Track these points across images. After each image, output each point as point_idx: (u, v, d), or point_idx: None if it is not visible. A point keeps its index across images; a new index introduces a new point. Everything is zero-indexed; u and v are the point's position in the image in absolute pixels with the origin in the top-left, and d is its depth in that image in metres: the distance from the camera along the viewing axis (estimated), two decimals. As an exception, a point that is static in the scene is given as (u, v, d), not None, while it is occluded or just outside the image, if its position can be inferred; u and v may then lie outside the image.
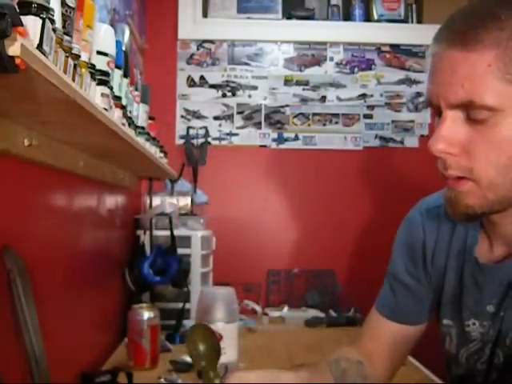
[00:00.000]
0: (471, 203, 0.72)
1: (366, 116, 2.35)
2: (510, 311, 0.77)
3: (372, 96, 2.36)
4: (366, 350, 0.94)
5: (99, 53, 0.92)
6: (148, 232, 1.86)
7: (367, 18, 2.39)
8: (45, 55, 0.59)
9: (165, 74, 2.29)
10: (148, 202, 2.05)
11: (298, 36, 2.35)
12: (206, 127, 2.30)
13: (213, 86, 2.32)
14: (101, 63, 0.91)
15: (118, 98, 1.04)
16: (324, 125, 2.34)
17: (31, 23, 0.58)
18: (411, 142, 2.35)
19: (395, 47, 2.38)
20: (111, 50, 0.96)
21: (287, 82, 2.35)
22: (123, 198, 1.82)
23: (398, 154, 2.34)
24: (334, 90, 2.35)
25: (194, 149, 2.26)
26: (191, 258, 1.86)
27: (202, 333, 0.79)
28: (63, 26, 0.71)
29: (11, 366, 0.86)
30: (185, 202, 2.08)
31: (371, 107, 2.35)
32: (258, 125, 2.32)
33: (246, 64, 2.34)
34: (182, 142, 2.28)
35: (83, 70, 0.81)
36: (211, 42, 2.33)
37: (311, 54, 2.36)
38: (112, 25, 1.26)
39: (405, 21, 2.39)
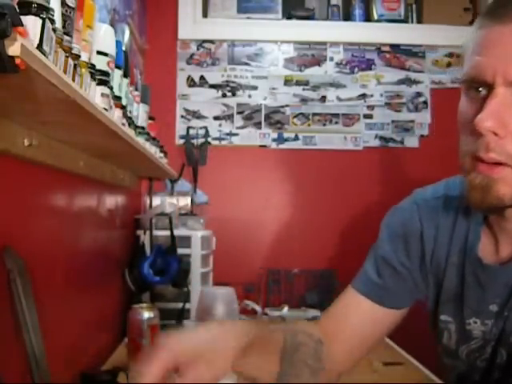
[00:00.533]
0: (504, 193, 0.67)
1: (366, 116, 2.35)
2: None
3: (372, 96, 2.36)
4: (330, 332, 0.87)
5: (99, 53, 0.92)
6: (148, 232, 1.86)
7: (367, 18, 2.39)
8: (45, 55, 0.59)
9: (165, 74, 2.29)
10: (148, 201, 2.05)
11: (297, 36, 2.35)
12: (206, 127, 2.30)
13: (213, 86, 2.32)
14: (101, 63, 0.91)
15: (118, 98, 1.04)
16: (324, 125, 2.34)
17: (31, 23, 0.58)
18: (411, 141, 2.34)
19: (395, 47, 2.38)
20: (111, 50, 0.96)
21: (287, 82, 2.35)
22: (123, 198, 1.82)
23: (398, 154, 2.34)
24: (334, 90, 2.35)
25: (193, 149, 2.26)
26: (191, 258, 1.86)
27: None
28: (63, 26, 0.71)
29: (11, 366, 0.86)
30: (185, 201, 2.08)
31: (371, 107, 2.35)
32: (257, 125, 2.32)
33: (246, 64, 2.34)
34: (181, 142, 2.28)
35: (83, 69, 0.81)
36: (211, 41, 2.33)
37: (311, 54, 2.36)
38: (112, 25, 1.26)
39: (405, 21, 2.39)
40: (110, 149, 1.17)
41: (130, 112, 1.22)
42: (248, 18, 2.33)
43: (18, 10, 0.53)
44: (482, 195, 0.69)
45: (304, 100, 2.34)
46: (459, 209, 0.84)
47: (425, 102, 2.36)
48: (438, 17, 2.41)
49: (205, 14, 2.33)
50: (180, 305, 1.77)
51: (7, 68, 0.49)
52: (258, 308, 2.11)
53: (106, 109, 0.91)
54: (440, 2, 2.44)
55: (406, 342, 1.61)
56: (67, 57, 0.72)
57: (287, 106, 2.34)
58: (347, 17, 2.40)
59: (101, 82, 0.91)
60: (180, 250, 1.81)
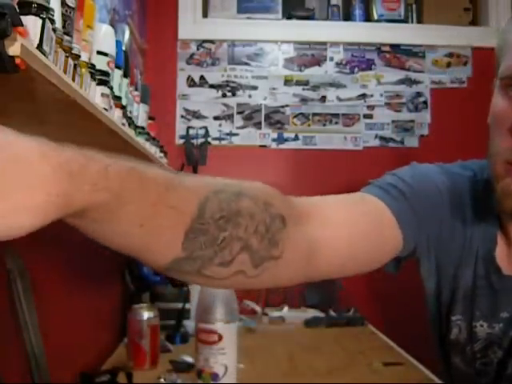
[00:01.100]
0: None
1: (366, 116, 2.35)
2: None
3: (372, 96, 2.36)
4: (319, 212, 0.66)
5: (99, 53, 0.92)
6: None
7: (367, 17, 2.40)
8: (45, 55, 0.59)
9: (165, 74, 2.29)
10: (148, 201, 2.04)
11: (298, 36, 2.35)
12: (205, 127, 2.30)
13: (213, 86, 2.32)
14: (101, 63, 0.91)
15: (118, 98, 1.04)
16: (324, 125, 2.34)
17: (31, 23, 0.58)
18: (411, 141, 2.34)
19: (395, 47, 2.38)
20: (111, 50, 0.96)
21: (287, 82, 2.35)
22: (123, 198, 1.81)
23: (398, 154, 2.34)
24: (334, 90, 2.35)
25: (193, 149, 2.26)
26: (191, 258, 1.86)
27: None
28: (63, 26, 0.71)
29: (11, 366, 0.86)
30: (185, 201, 2.08)
31: (371, 107, 2.35)
32: (257, 125, 2.32)
33: (246, 64, 2.34)
34: (181, 142, 2.28)
35: (83, 69, 0.81)
36: (211, 41, 2.33)
37: (311, 54, 2.36)
38: (112, 25, 1.26)
39: (405, 21, 2.39)
40: (110, 149, 1.17)
41: (130, 112, 1.22)
42: (248, 18, 2.33)
43: (17, 10, 0.53)
44: None
45: (304, 100, 2.34)
46: (479, 198, 0.79)
47: (425, 102, 2.36)
48: (438, 17, 2.41)
49: (205, 14, 2.33)
50: (180, 305, 1.77)
51: (7, 68, 0.49)
52: (257, 308, 2.11)
53: (106, 109, 0.91)
54: (440, 1, 2.44)
55: (406, 342, 1.61)
56: (67, 57, 0.72)
57: (287, 106, 2.34)
58: (347, 17, 2.40)
59: (101, 82, 0.91)
60: (180, 250, 1.81)
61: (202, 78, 2.32)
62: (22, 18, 0.54)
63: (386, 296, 2.16)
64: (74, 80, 0.75)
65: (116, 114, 1.03)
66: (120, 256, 1.68)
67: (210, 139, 2.29)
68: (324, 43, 2.36)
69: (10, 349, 0.86)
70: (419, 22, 2.43)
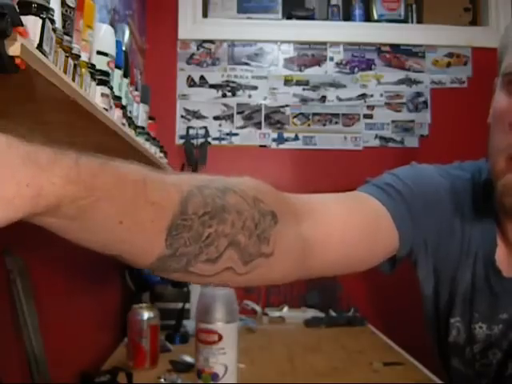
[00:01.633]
0: None
1: (366, 116, 2.35)
2: None
3: (372, 96, 2.36)
4: (320, 209, 0.65)
5: (99, 53, 0.92)
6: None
7: (367, 18, 2.40)
8: (45, 55, 0.59)
9: (165, 74, 2.29)
10: (148, 201, 2.04)
11: (298, 36, 2.35)
12: (205, 127, 2.30)
13: (213, 86, 2.32)
14: (101, 63, 0.91)
15: (118, 98, 1.04)
16: (324, 125, 2.34)
17: (31, 23, 0.58)
18: (411, 142, 2.34)
19: (395, 47, 2.38)
20: (111, 49, 0.96)
21: (287, 81, 2.35)
22: (123, 198, 1.81)
23: (398, 154, 2.34)
24: (333, 90, 2.35)
25: (194, 149, 2.26)
26: (191, 258, 1.86)
27: None
28: (63, 26, 0.71)
29: (11, 366, 0.86)
30: (185, 201, 2.08)
31: (371, 107, 2.35)
32: (257, 125, 2.32)
33: (246, 64, 2.34)
34: (181, 142, 2.28)
35: (83, 70, 0.81)
36: (211, 41, 2.33)
37: (311, 54, 2.36)
38: (112, 25, 1.26)
39: (405, 21, 2.39)
40: (110, 149, 1.17)
41: (130, 112, 1.22)
42: (248, 18, 2.33)
43: (18, 10, 0.53)
44: None
45: (304, 100, 2.34)
46: (478, 200, 0.79)
47: (425, 102, 2.36)
48: (437, 17, 2.41)
49: (205, 14, 2.33)
50: (180, 305, 1.77)
51: (7, 68, 0.49)
52: (258, 308, 2.11)
53: (106, 109, 0.91)
54: (440, 2, 2.44)
55: (406, 342, 1.61)
56: (67, 57, 0.72)
57: (287, 106, 2.34)
58: (347, 17, 2.40)
59: (101, 82, 0.91)
60: (180, 250, 1.81)
61: (201, 78, 2.32)
62: (22, 18, 0.54)
63: (386, 296, 2.16)
64: (74, 80, 0.75)
65: (116, 114, 1.03)
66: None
67: (210, 139, 2.29)
68: (324, 43, 2.36)
69: (10, 349, 0.86)
70: (419, 22, 2.43)
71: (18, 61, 0.50)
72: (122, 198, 0.43)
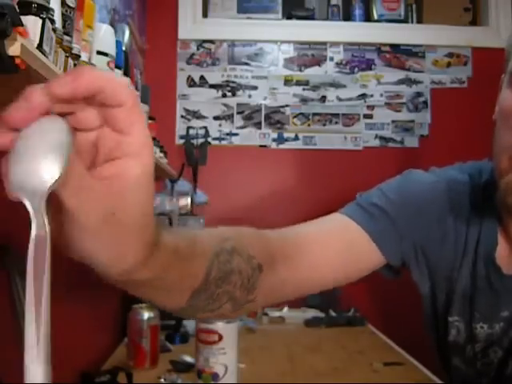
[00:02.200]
0: None
1: (366, 116, 2.35)
2: None
3: (372, 96, 2.36)
4: (296, 251, 0.70)
5: (99, 53, 0.92)
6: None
7: (367, 18, 2.40)
8: (45, 55, 0.59)
9: (165, 74, 2.29)
10: (148, 201, 2.04)
11: (298, 36, 2.35)
12: (205, 127, 2.30)
13: (213, 86, 2.32)
14: (101, 63, 0.91)
15: (118, 98, 1.04)
16: (324, 125, 2.34)
17: (31, 23, 0.58)
18: (411, 141, 2.34)
19: (395, 47, 2.38)
20: (111, 49, 0.96)
21: (287, 81, 2.35)
22: (123, 198, 1.81)
23: (398, 154, 2.34)
24: (333, 90, 2.35)
25: (194, 149, 2.26)
26: (191, 258, 1.86)
27: None
28: (63, 26, 0.71)
29: (11, 366, 0.86)
30: (185, 202, 2.08)
31: (371, 107, 2.35)
32: (257, 125, 2.32)
33: (246, 64, 2.34)
34: (181, 142, 2.28)
35: (83, 69, 0.81)
36: (211, 41, 2.33)
37: (311, 54, 2.36)
38: (112, 25, 1.26)
39: (405, 21, 2.39)
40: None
41: (130, 112, 1.21)
42: (248, 18, 2.33)
43: (18, 10, 0.53)
44: None
45: (304, 100, 2.35)
46: (477, 202, 0.79)
47: (425, 102, 2.36)
48: (437, 17, 2.41)
49: (205, 14, 2.33)
50: (180, 305, 1.77)
51: (7, 68, 0.49)
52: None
53: (106, 109, 0.91)
54: (440, 2, 2.44)
55: (406, 342, 1.61)
56: (67, 57, 0.72)
57: (287, 106, 2.34)
58: (347, 17, 2.40)
59: (101, 82, 0.91)
60: (180, 250, 1.81)
61: (202, 78, 2.32)
62: (22, 18, 0.54)
63: (386, 296, 2.16)
64: (74, 80, 0.74)
65: (116, 114, 1.03)
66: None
67: (210, 139, 2.29)
68: (324, 43, 2.36)
69: (10, 349, 0.86)
70: (419, 22, 2.44)
71: (17, 61, 0.50)
72: (176, 272, 0.51)
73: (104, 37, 0.94)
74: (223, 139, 2.31)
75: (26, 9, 0.58)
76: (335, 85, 2.35)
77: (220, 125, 2.31)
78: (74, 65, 0.75)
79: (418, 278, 0.84)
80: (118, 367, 1.21)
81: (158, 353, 1.42)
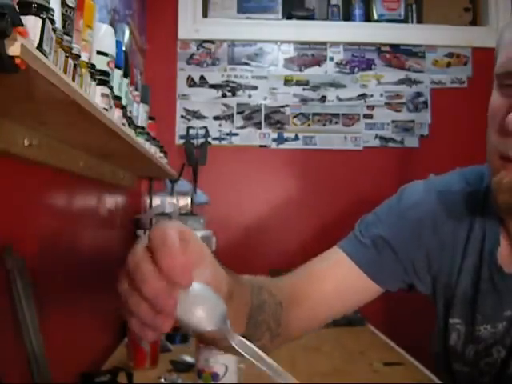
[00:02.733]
0: None
1: (366, 116, 2.35)
2: None
3: (372, 96, 2.36)
4: (302, 292, 0.80)
5: (99, 53, 0.92)
6: (148, 232, 1.85)
7: (367, 18, 2.40)
8: (45, 55, 0.59)
9: (165, 74, 2.29)
10: (148, 201, 2.05)
11: (298, 36, 2.35)
12: (205, 127, 2.30)
13: (213, 86, 2.32)
14: (101, 63, 0.91)
15: (118, 98, 1.04)
16: (324, 125, 2.34)
17: (31, 23, 0.58)
18: (411, 142, 2.34)
19: (395, 47, 2.38)
20: (111, 49, 0.96)
21: (287, 81, 2.35)
22: (123, 198, 1.82)
23: (398, 154, 2.34)
24: (333, 90, 2.35)
25: (194, 149, 2.26)
26: (191, 258, 1.85)
27: None
28: (63, 26, 0.71)
29: (11, 366, 0.86)
30: (185, 202, 2.08)
31: (371, 107, 2.35)
32: (257, 125, 2.32)
33: (246, 64, 2.34)
34: (181, 142, 2.28)
35: (83, 70, 0.81)
36: (211, 41, 2.33)
37: (311, 54, 2.36)
38: (112, 25, 1.26)
39: (405, 21, 2.39)
40: (110, 149, 1.17)
41: (130, 112, 1.22)
42: (248, 18, 2.33)
43: (18, 10, 0.53)
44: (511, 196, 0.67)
45: (304, 100, 2.34)
46: (477, 207, 0.80)
47: (425, 102, 2.36)
48: (437, 17, 2.41)
49: (205, 14, 2.33)
50: (180, 305, 1.77)
51: (7, 68, 0.49)
52: (258, 308, 2.11)
53: (106, 109, 0.91)
54: (440, 2, 2.44)
55: (406, 342, 1.61)
56: (67, 57, 0.72)
57: (287, 106, 2.34)
58: (347, 17, 2.40)
59: (101, 82, 0.91)
60: (180, 250, 1.81)
61: (202, 78, 2.32)
62: (22, 18, 0.54)
63: (386, 296, 2.15)
64: (74, 80, 0.75)
65: (116, 114, 1.03)
66: (120, 256, 1.67)
67: (210, 139, 2.29)
68: (324, 43, 2.36)
69: (10, 349, 0.86)
70: (419, 22, 2.44)
71: (17, 61, 0.50)
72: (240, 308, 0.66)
73: (104, 37, 0.94)
74: (223, 139, 2.31)
75: (26, 9, 0.58)
76: (335, 85, 2.35)
77: (220, 125, 2.31)
78: (74, 65, 0.75)
79: (423, 289, 0.86)
80: (118, 367, 1.21)
81: (158, 353, 1.42)
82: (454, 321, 0.82)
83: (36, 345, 0.86)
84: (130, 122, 1.19)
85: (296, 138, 2.33)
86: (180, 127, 2.30)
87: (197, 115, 2.31)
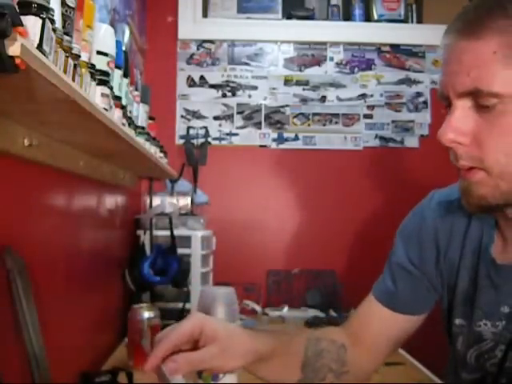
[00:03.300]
0: (484, 193, 0.71)
1: (366, 116, 2.35)
2: None
3: (372, 96, 2.36)
4: (356, 332, 0.92)
5: (99, 53, 0.92)
6: (148, 232, 1.86)
7: (367, 18, 2.39)
8: (45, 55, 0.59)
9: (165, 74, 2.29)
10: (148, 201, 2.05)
11: (298, 36, 2.35)
12: (205, 127, 2.30)
13: (213, 86, 2.32)
14: (101, 63, 0.91)
15: (118, 98, 1.04)
16: (324, 125, 2.34)
17: (31, 23, 0.58)
18: (411, 141, 2.34)
19: (395, 47, 2.38)
20: (111, 50, 0.96)
21: (287, 81, 2.35)
22: (123, 198, 1.82)
23: (398, 154, 2.34)
24: (333, 90, 2.35)
25: (193, 149, 2.26)
26: (191, 258, 1.86)
27: None
28: (63, 26, 0.71)
29: (11, 366, 0.86)
30: (185, 202, 2.08)
31: (371, 107, 2.35)
32: (257, 125, 2.32)
33: (246, 64, 2.34)
34: (181, 142, 2.28)
35: (83, 69, 0.81)
36: (211, 42, 2.33)
37: (311, 54, 2.36)
38: (112, 25, 1.26)
39: (405, 21, 2.39)
40: (110, 149, 1.17)
41: (130, 112, 1.22)
42: (248, 18, 2.33)
43: (18, 10, 0.53)
44: (468, 199, 0.73)
45: (304, 100, 2.34)
46: (472, 216, 0.85)
47: (425, 102, 2.36)
48: (438, 17, 2.40)
49: (205, 14, 2.33)
50: (180, 305, 1.77)
51: (7, 68, 0.49)
52: (258, 308, 2.11)
53: (106, 109, 0.91)
54: (440, 2, 2.44)
55: (406, 342, 1.61)
56: (67, 57, 0.72)
57: (287, 105, 2.34)
58: (347, 17, 2.40)
59: (101, 82, 0.91)
60: (180, 250, 1.81)
61: (202, 78, 2.32)
62: (22, 18, 0.54)
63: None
64: (74, 80, 0.75)
65: (116, 114, 1.03)
66: (120, 256, 1.68)
67: (210, 139, 2.29)
68: (324, 43, 2.36)
69: (10, 349, 0.86)
70: (419, 22, 2.43)
71: (18, 61, 0.50)
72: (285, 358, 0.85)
73: (104, 37, 0.94)
74: (223, 139, 2.31)
75: (26, 9, 0.58)
76: (335, 85, 2.35)
77: (220, 125, 2.31)
78: (74, 65, 0.75)
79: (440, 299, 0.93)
80: (117, 367, 1.21)
81: (158, 353, 1.42)
82: (459, 322, 0.85)
83: (36, 345, 0.86)
84: (130, 121, 1.19)
85: (296, 138, 2.33)
86: (180, 127, 2.30)
87: (197, 115, 2.31)
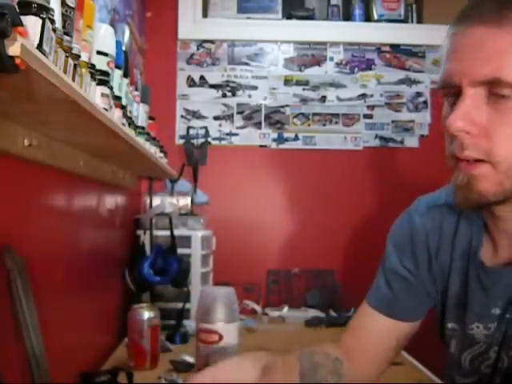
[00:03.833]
0: (486, 189, 0.68)
1: (366, 116, 2.35)
2: None
3: (372, 96, 2.36)
4: (351, 347, 0.90)
5: (99, 53, 0.92)
6: (148, 232, 1.86)
7: (367, 18, 2.39)
8: (45, 55, 0.59)
9: (165, 74, 2.29)
10: (148, 201, 2.05)
11: (298, 36, 2.35)
12: (206, 127, 2.30)
13: (213, 86, 2.32)
14: (101, 63, 0.91)
15: (118, 98, 1.04)
16: (324, 125, 2.34)
17: (31, 23, 0.58)
18: (411, 142, 2.34)
19: (395, 47, 2.38)
20: (111, 50, 0.96)
21: (287, 81, 2.35)
22: (123, 198, 1.82)
23: (398, 154, 2.34)
24: (333, 90, 2.35)
25: (194, 149, 2.26)
26: (191, 258, 1.86)
27: None
28: (63, 26, 0.71)
29: (11, 366, 0.86)
30: (185, 202, 2.08)
31: (371, 107, 2.35)
32: (257, 125, 2.32)
33: (246, 64, 2.34)
34: (181, 142, 2.28)
35: (83, 69, 0.81)
36: (211, 42, 2.33)
37: (311, 54, 2.36)
38: (112, 25, 1.26)
39: (405, 21, 2.39)
40: (110, 149, 1.17)
41: (130, 112, 1.22)
42: (248, 18, 2.33)
43: (18, 10, 0.53)
44: (465, 193, 0.71)
45: (304, 100, 2.34)
46: (461, 215, 0.84)
47: (425, 102, 2.36)
48: (438, 17, 2.40)
49: (205, 14, 2.33)
50: (180, 305, 1.77)
51: (7, 68, 0.49)
52: (258, 308, 2.11)
53: (106, 109, 0.91)
54: (440, 1, 2.44)
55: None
56: (67, 57, 0.72)
57: (287, 106, 2.34)
58: (347, 17, 2.40)
59: (101, 82, 0.91)
60: (180, 250, 1.81)
61: (201, 78, 2.32)
62: (22, 18, 0.54)
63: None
64: (74, 80, 0.75)
65: (116, 114, 1.03)
66: (120, 256, 1.68)
67: (210, 139, 2.29)
68: (324, 43, 2.36)
69: (10, 349, 0.86)
70: (419, 22, 2.43)
71: (18, 61, 0.50)
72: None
73: (104, 37, 0.94)
74: (223, 139, 2.31)
75: (26, 9, 0.58)
76: (335, 85, 2.35)
77: (220, 125, 2.31)
78: (74, 65, 0.75)
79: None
80: (118, 367, 1.21)
81: (158, 353, 1.42)
82: (452, 326, 0.85)
83: (36, 345, 0.86)
84: (130, 122, 1.19)
85: (296, 138, 2.33)
86: (180, 127, 2.30)
87: (197, 115, 2.31)
